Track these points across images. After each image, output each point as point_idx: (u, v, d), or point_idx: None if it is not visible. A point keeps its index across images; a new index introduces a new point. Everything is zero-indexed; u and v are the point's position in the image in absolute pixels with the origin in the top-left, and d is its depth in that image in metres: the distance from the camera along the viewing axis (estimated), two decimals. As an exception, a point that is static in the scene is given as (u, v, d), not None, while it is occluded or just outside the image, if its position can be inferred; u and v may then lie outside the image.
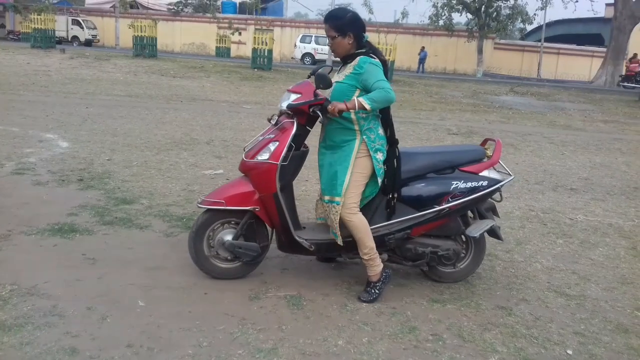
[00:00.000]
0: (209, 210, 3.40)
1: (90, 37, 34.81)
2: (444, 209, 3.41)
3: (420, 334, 3.02)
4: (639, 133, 12.97)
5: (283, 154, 3.23)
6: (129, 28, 23.15)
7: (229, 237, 3.41)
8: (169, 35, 35.36)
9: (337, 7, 3.30)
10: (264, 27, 24.78)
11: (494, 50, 33.91)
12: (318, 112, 3.20)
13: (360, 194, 3.30)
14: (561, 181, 7.02)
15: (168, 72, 18.39)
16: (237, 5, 38.01)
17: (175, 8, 37.03)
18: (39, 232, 4.06)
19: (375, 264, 3.37)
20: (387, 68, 3.32)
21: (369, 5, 28.70)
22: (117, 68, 18.56)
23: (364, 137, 3.25)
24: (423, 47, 31.85)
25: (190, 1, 37.87)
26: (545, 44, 33.37)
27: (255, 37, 21.88)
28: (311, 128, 3.37)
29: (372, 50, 3.30)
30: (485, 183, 3.46)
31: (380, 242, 3.40)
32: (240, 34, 27.78)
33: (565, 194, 6.39)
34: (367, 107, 3.08)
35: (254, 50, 21.88)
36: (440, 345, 2.92)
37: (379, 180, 3.32)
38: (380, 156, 3.29)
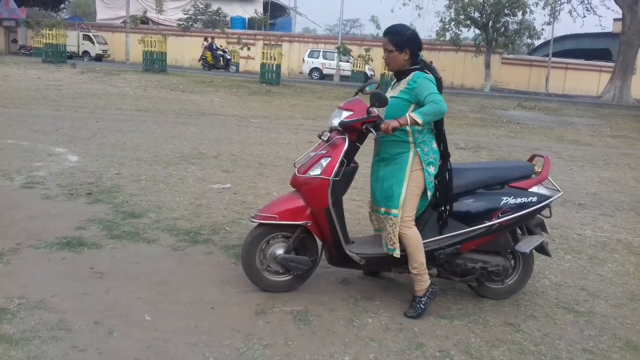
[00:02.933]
0: (260, 224, 3.46)
1: (100, 52, 35.20)
2: (494, 224, 3.45)
3: (428, 350, 3.01)
4: (648, 148, 12.90)
5: (335, 169, 3.30)
6: (139, 43, 23.36)
7: (280, 251, 3.48)
8: (179, 50, 35.67)
9: (397, 23, 3.35)
10: (273, 43, 24.99)
11: (501, 65, 33.91)
12: (371, 129, 3.26)
13: (416, 207, 3.35)
14: (569, 196, 6.98)
15: (177, 87, 18.54)
16: (246, 21, 38.33)
17: (185, 23, 37.46)
18: (48, 245, 4.08)
19: (424, 280, 3.39)
20: (442, 86, 3.35)
21: (376, 20, 28.89)
22: (126, 83, 18.74)
23: (418, 149, 3.31)
24: (431, 62, 31.84)
25: (199, 17, 38.31)
26: (553, 59, 33.33)
27: (263, 52, 22.05)
28: (361, 144, 3.44)
29: (426, 68, 3.36)
30: (534, 199, 3.50)
31: (430, 256, 3.43)
32: (249, 49, 28.02)
33: (573, 210, 6.35)
34: (419, 121, 3.13)
35: (263, 65, 22.03)
36: (448, 362, 2.90)
37: (429, 194, 3.36)
38: (432, 170, 3.33)
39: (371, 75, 29.58)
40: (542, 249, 3.66)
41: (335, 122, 3.37)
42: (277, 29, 40.40)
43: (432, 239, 3.43)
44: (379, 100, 3.19)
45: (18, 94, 14.22)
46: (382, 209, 3.39)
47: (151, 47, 22.76)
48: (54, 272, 3.66)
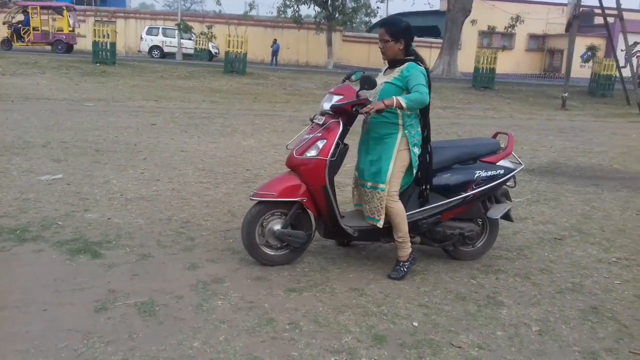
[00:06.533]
0: (259, 202, 3.68)
1: None
2: (469, 195, 3.89)
3: (278, 324, 3.05)
4: (472, 117, 14.30)
5: (332, 150, 3.60)
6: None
7: (278, 227, 3.73)
8: (-5, 28, 31.88)
9: (393, 15, 3.68)
10: (105, 19, 23.31)
11: (342, 42, 35.11)
12: (361, 111, 3.56)
13: (400, 183, 3.69)
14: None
15: (-5, 69, 16.58)
16: (75, -5, 35.25)
17: (2, -2, 33.45)
18: None
19: (407, 247, 3.76)
20: (430, 77, 3.67)
21: (217, -4, 28.23)
22: None
23: (406, 132, 3.65)
24: (275, 40, 32.06)
25: (18, -10, 34.43)
26: (388, 36, 35.20)
27: (95, 30, 20.47)
28: (350, 126, 3.74)
29: (418, 59, 3.69)
30: (502, 172, 3.99)
31: (414, 226, 3.80)
32: (78, 26, 25.86)
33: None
34: (404, 104, 3.45)
35: (95, 43, 20.46)
36: (297, 333, 2.96)
37: (414, 172, 3.71)
38: (417, 150, 3.70)
39: (216, 53, 28.99)
40: (506, 215, 4.11)
41: (326, 105, 3.68)
42: (109, 4, 37.74)
43: (416, 211, 3.81)
44: (368, 83, 3.51)
45: None
46: (369, 184, 3.69)
47: (-41, 24, 20.03)
48: None
